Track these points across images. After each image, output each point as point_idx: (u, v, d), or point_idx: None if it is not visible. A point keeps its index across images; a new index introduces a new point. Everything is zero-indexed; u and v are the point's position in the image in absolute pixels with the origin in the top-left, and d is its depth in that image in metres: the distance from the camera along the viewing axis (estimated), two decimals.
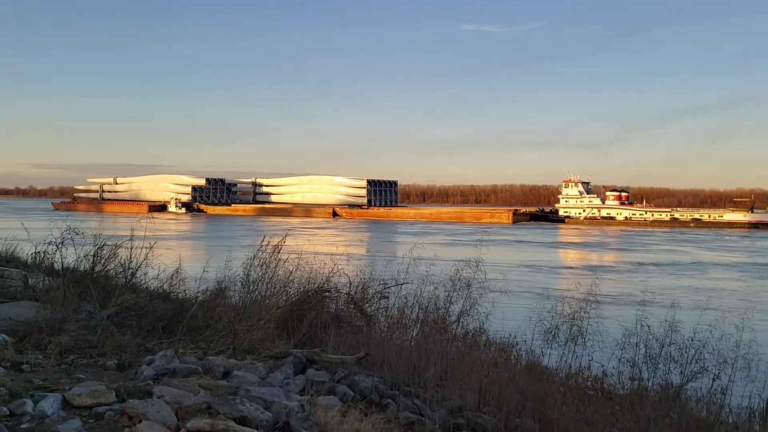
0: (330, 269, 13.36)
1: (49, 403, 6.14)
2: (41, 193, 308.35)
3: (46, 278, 11.83)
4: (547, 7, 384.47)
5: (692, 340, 11.15)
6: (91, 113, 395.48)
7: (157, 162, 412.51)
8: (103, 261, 11.96)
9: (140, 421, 5.77)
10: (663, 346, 11.21)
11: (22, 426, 5.71)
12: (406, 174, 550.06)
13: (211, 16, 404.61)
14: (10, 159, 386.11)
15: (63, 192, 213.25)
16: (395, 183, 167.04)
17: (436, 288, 13.29)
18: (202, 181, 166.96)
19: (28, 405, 6.08)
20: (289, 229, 13.58)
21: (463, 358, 9.86)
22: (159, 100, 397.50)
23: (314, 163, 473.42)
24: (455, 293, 12.97)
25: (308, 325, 10.96)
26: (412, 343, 11.07)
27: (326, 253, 16.56)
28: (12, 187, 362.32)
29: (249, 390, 7.13)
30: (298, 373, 8.61)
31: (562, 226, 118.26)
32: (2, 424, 5.60)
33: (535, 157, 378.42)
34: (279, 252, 12.25)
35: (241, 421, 6.15)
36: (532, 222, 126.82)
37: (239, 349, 9.25)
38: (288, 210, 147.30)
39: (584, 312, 11.97)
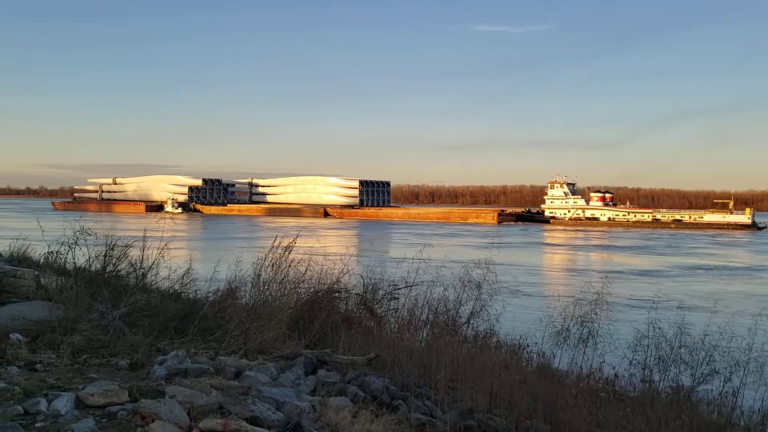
0: (339, 270, 13.37)
1: (63, 403, 6.18)
2: (52, 193, 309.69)
3: (59, 278, 11.91)
4: (558, 8, 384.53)
5: (703, 342, 11.09)
6: (100, 113, 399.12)
7: (165, 162, 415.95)
8: (114, 261, 12.03)
9: (153, 421, 5.80)
10: (674, 349, 11.15)
11: (37, 425, 5.76)
12: (417, 174, 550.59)
13: (214, 14, 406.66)
14: (21, 160, 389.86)
15: (73, 192, 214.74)
16: (388, 183, 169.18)
17: (445, 289, 13.27)
18: (198, 182, 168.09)
19: (42, 404, 6.13)
20: (297, 231, 13.57)
21: (474, 360, 9.84)
22: (165, 100, 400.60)
23: (321, 164, 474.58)
24: (465, 294, 12.95)
25: (319, 325, 10.97)
26: (423, 345, 11.07)
27: (333, 254, 16.59)
28: (23, 187, 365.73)
29: (260, 390, 7.14)
30: (309, 374, 8.62)
31: (546, 226, 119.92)
32: (17, 422, 5.65)
33: (547, 157, 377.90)
34: (290, 253, 12.27)
35: (253, 421, 6.17)
36: (518, 223, 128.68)
37: (250, 350, 9.27)
38: (282, 210, 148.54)
39: (594, 314, 11.93)
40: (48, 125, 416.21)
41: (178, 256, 13.88)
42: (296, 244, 12.56)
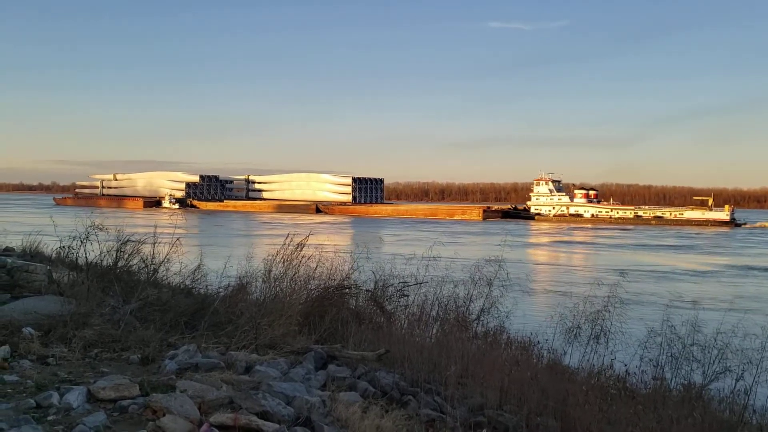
0: (349, 266, 13.38)
1: (75, 396, 6.22)
2: (64, 189, 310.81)
3: (70, 273, 11.97)
4: (572, 5, 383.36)
5: (715, 340, 11.00)
6: (108, 110, 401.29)
7: (173, 158, 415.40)
8: (126, 256, 12.08)
9: (164, 415, 5.83)
10: (685, 346, 11.07)
11: (49, 418, 5.80)
12: (427, 172, 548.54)
13: (215, 14, 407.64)
14: (33, 156, 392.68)
15: (75, 188, 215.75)
16: (381, 180, 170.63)
17: (455, 286, 13.24)
18: (196, 178, 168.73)
19: (54, 397, 6.17)
20: (307, 229, 13.62)
21: (484, 357, 9.82)
22: (169, 98, 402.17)
23: (326, 162, 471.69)
24: (476, 291, 12.92)
25: (329, 321, 10.98)
26: (433, 341, 11.04)
27: (342, 250, 16.59)
28: (36, 183, 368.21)
29: (271, 385, 7.16)
30: (319, 369, 8.63)
31: (532, 223, 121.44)
32: (29, 415, 5.69)
33: (557, 155, 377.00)
34: (302, 249, 12.29)
35: (263, 415, 6.19)
36: (503, 219, 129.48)
37: (261, 345, 9.29)
38: (276, 206, 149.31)
39: (606, 311, 11.86)
40: (58, 122, 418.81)
41: (188, 252, 13.92)
42: (291, 241, 12.57)
